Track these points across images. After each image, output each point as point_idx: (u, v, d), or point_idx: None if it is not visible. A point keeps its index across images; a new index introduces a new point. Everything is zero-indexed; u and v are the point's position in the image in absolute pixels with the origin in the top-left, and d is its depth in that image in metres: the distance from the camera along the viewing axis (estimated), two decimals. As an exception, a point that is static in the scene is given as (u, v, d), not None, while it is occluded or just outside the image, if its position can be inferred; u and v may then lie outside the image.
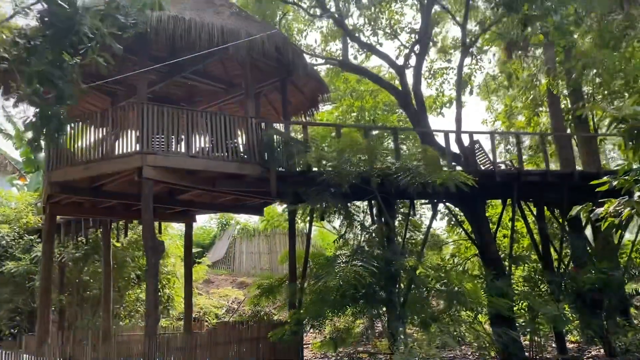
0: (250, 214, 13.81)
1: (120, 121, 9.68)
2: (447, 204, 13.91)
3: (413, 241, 12.71)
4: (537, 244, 13.54)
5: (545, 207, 13.65)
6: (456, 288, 9.88)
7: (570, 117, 16.82)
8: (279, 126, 10.61)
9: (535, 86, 16.58)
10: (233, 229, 31.47)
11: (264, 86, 13.05)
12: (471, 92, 17.16)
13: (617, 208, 6.90)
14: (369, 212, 11.89)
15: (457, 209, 14.79)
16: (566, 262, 12.95)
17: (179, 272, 18.33)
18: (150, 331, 8.68)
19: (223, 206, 13.15)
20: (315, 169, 10.70)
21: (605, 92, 16.83)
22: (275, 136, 10.53)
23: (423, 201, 14.71)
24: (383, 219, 11.60)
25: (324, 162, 10.41)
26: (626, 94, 17.04)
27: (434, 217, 12.85)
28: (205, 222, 34.76)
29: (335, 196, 9.71)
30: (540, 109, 19.29)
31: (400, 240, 11.70)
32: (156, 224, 16.32)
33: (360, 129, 10.18)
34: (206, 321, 17.81)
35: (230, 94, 13.65)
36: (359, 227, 11.11)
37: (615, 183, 7.19)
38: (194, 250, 29.37)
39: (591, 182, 7.70)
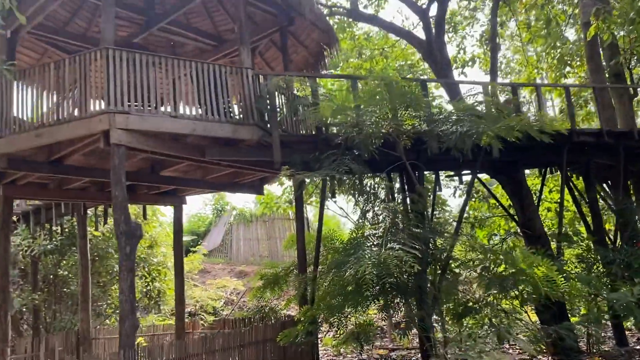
0: (249, 192, 11.73)
1: (80, 74, 7.53)
2: (479, 175, 11.92)
3: (441, 220, 10.70)
4: (586, 218, 11.59)
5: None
6: (510, 270, 7.95)
7: (607, 75, 14.78)
8: (282, 82, 8.42)
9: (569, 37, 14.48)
10: (229, 214, 29.50)
11: (260, 40, 10.93)
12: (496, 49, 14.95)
13: None
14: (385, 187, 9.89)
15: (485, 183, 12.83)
16: (624, 238, 10.97)
17: (170, 263, 16.40)
18: (126, 341, 6.66)
19: (217, 184, 11.07)
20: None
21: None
22: (277, 91, 8.42)
23: (450, 173, 12.74)
24: (411, 193, 9.62)
25: (337, 122, 8.32)
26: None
27: (470, 189, 10.83)
28: (199, 209, 32.87)
29: (354, 165, 7.63)
30: (567, 69, 17.20)
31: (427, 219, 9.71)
32: (140, 207, 14.36)
33: (382, 80, 8.00)
34: (202, 318, 15.80)
35: (221, 51, 11.53)
36: (380, 203, 9.09)
37: None
38: (188, 238, 27.78)
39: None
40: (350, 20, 14.02)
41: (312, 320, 8.53)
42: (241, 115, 8.15)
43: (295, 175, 7.49)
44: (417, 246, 6.63)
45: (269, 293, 10.62)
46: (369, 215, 8.96)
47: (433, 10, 12.52)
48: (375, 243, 6.94)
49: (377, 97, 7.95)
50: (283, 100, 8.88)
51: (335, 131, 8.64)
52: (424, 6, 11.80)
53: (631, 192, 11.95)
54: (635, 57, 15.54)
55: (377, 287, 7.75)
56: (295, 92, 10.49)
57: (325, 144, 8.28)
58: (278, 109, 8.47)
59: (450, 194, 14.80)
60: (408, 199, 9.10)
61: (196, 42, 11.56)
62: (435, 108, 8.51)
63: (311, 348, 9.28)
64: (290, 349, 9.08)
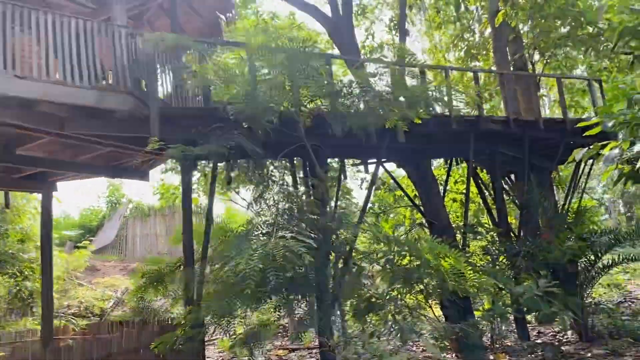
0: (132, 178, 10.29)
1: None
2: (387, 165, 11.32)
3: (345, 211, 9.94)
4: (491, 209, 11.32)
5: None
6: (415, 262, 7.31)
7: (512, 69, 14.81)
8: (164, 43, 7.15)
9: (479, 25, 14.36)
10: (124, 208, 27.32)
11: (147, 4, 9.58)
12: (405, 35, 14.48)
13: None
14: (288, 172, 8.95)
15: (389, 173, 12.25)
16: (528, 230, 10.78)
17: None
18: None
19: (92, 168, 9.57)
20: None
21: (544, 42, 15.04)
22: (158, 54, 7.18)
23: (357, 162, 12.03)
24: (310, 180, 8.76)
25: (231, 95, 7.22)
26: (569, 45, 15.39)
27: (375, 178, 10.13)
28: (93, 202, 30.32)
29: (246, 142, 6.59)
30: (476, 63, 17.21)
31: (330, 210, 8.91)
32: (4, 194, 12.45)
33: (284, 53, 6.97)
34: (73, 323, 14.06)
35: (102, 15, 10.01)
36: (279, 189, 8.13)
37: (610, 124, 5.82)
38: (75, 232, 25.40)
39: (579, 125, 6.67)
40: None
41: (195, 322, 7.41)
42: (111, 82, 6.82)
43: (175, 153, 6.31)
44: (313, 235, 5.73)
45: (152, 292, 9.32)
46: (266, 202, 7.98)
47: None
48: (264, 232, 5.93)
49: (277, 67, 6.94)
50: (168, 68, 7.64)
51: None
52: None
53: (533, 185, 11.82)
54: (538, 52, 15.71)
55: (272, 283, 6.82)
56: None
57: (215, 120, 7.16)
58: (160, 77, 7.23)
59: (358, 184, 14.11)
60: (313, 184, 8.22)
61: (75, 4, 9.94)
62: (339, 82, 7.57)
63: (196, 355, 8.12)
64: (172, 357, 7.88)
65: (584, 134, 6.21)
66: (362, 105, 7.16)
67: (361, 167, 12.87)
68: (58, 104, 6.50)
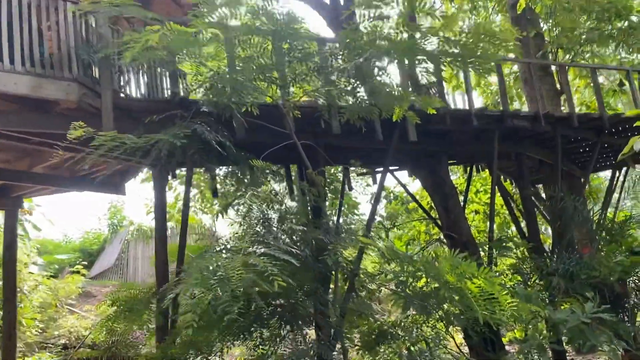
0: (105, 192, 9.03)
1: None
2: (396, 173, 9.92)
3: (349, 227, 8.56)
4: (519, 221, 9.86)
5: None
6: (433, 284, 5.93)
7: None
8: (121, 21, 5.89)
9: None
10: (126, 230, 26.14)
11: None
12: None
13: None
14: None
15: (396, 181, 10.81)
16: (563, 244, 9.27)
17: (26, 286, 13.31)
18: None
19: (53, 179, 8.30)
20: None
21: (568, 39, 13.72)
22: (115, 35, 5.93)
23: (363, 171, 10.65)
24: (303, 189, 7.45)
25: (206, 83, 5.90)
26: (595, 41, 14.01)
27: (382, 184, 8.74)
28: (95, 225, 29.24)
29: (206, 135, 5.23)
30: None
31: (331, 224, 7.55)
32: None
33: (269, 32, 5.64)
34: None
35: None
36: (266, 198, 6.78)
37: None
38: (67, 257, 24.23)
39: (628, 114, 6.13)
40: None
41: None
42: (52, 68, 5.56)
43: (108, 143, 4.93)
44: (296, 251, 4.37)
45: (124, 323, 7.96)
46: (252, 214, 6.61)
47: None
48: (232, 249, 4.56)
49: (259, 48, 5.62)
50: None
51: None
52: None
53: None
54: (562, 50, 14.33)
55: (249, 315, 5.44)
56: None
57: (185, 112, 5.85)
58: (117, 62, 5.95)
59: (367, 199, 12.72)
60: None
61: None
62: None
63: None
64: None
65: (622, 134, 4.94)
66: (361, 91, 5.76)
67: (370, 180, 11.56)
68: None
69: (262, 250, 4.24)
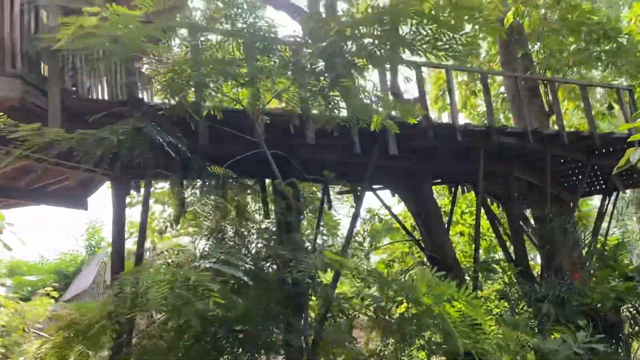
0: (64, 206, 8.39)
1: None
2: (378, 190, 9.40)
3: (328, 249, 8.01)
4: (506, 244, 9.37)
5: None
6: (413, 310, 5.38)
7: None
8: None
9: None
10: (103, 252, 25.28)
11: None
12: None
13: None
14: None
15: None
16: (552, 269, 8.76)
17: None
18: None
19: (6, 191, 7.67)
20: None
21: (556, 60, 13.48)
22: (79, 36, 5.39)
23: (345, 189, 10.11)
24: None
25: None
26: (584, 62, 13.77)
27: (360, 203, 8.21)
28: (72, 246, 28.33)
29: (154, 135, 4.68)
30: (478, 85, 15.58)
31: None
32: None
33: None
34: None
35: None
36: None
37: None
38: (35, 278, 23.31)
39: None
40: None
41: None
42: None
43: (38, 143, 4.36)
44: (251, 267, 3.82)
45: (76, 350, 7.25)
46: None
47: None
48: (170, 261, 4.00)
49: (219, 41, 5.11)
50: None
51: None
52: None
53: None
54: (550, 71, 14.05)
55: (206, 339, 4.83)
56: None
57: (141, 115, 5.31)
58: (66, 58, 5.42)
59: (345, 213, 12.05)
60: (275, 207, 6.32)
61: None
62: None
63: None
64: None
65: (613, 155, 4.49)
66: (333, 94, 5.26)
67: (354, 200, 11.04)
68: None
69: (208, 265, 3.68)
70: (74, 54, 5.46)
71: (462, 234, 11.21)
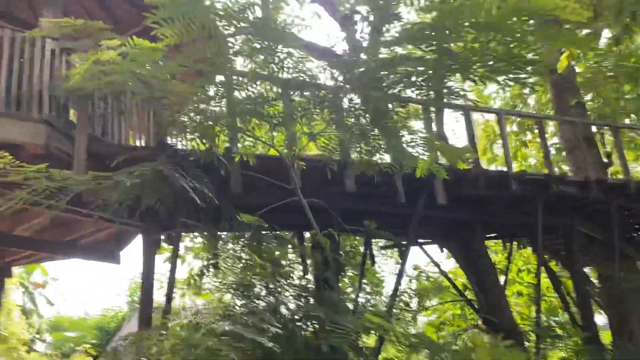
0: (95, 259, 8.11)
1: None
2: (425, 244, 8.74)
3: (370, 309, 7.36)
4: (569, 306, 8.44)
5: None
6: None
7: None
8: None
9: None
10: (144, 308, 25.04)
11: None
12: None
13: None
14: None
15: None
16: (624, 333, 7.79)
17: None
18: None
19: (39, 244, 7.44)
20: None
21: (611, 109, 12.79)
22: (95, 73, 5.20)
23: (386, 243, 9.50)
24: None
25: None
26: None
27: (405, 260, 7.58)
28: (115, 302, 28.25)
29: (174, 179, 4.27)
30: (528, 136, 14.93)
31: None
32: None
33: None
34: None
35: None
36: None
37: None
38: (75, 334, 23.12)
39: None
40: None
41: None
42: (17, 106, 4.84)
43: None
44: (278, 327, 3.28)
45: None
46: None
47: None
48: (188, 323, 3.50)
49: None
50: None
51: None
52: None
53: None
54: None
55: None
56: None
57: (168, 160, 4.98)
58: (97, 102, 5.21)
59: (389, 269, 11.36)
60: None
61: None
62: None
63: None
64: None
65: None
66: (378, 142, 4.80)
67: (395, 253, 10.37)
68: None
69: (228, 327, 3.17)
70: (102, 97, 5.26)
71: (520, 294, 10.28)
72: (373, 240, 8.40)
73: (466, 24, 3.00)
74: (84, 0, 8.56)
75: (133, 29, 7.97)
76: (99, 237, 7.68)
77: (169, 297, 5.71)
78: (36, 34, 4.74)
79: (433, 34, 3.16)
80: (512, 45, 3.05)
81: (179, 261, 7.03)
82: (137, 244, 8.64)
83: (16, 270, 10.16)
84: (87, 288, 41.14)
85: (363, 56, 3.84)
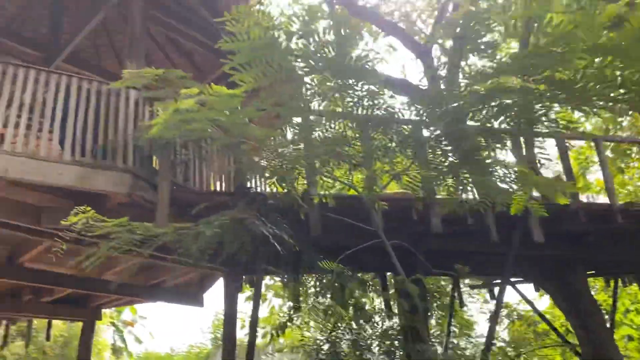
0: (179, 302, 8.17)
1: None
2: (518, 283, 8.12)
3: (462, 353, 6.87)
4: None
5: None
6: None
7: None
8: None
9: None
10: (227, 345, 25.23)
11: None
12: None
13: None
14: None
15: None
16: None
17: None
18: None
19: (125, 287, 7.60)
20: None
21: None
22: (175, 122, 5.27)
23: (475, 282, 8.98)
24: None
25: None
26: None
27: (500, 305, 7.04)
28: (200, 340, 28.75)
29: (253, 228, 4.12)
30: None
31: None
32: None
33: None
34: None
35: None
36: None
37: None
38: None
39: None
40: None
41: None
42: (104, 156, 4.95)
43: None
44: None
45: None
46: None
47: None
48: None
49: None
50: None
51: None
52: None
53: None
54: None
55: None
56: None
57: (247, 206, 4.90)
58: (178, 149, 5.26)
59: (485, 318, 10.77)
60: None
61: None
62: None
63: None
64: None
65: None
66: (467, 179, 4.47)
67: (487, 294, 9.76)
68: (25, 185, 4.70)
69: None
70: (183, 144, 5.32)
71: (630, 338, 9.29)
72: (463, 280, 7.93)
73: (581, 48, 2.66)
74: (165, 48, 8.94)
75: (212, 74, 8.21)
76: (182, 281, 7.76)
77: (252, 336, 5.58)
78: (120, 85, 4.87)
79: (538, 62, 2.84)
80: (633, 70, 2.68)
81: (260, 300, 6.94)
82: (219, 284, 8.68)
83: (106, 310, 10.48)
84: (173, 325, 42.36)
85: (442, 87, 3.57)
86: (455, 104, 3.47)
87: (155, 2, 7.01)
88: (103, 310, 9.18)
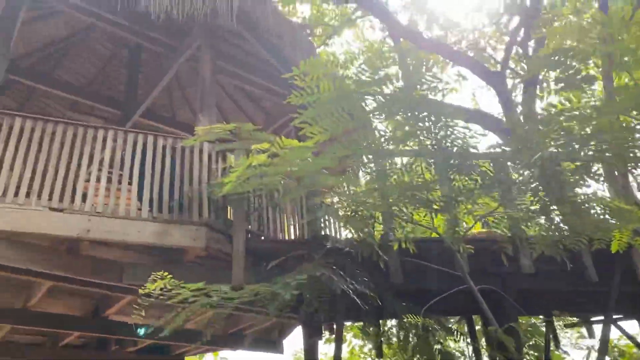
0: (258, 350, 8.06)
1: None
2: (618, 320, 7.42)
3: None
4: None
5: None
6: None
7: None
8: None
9: None
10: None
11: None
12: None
13: None
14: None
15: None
16: None
17: None
18: None
19: (205, 336, 7.57)
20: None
21: None
22: (250, 175, 5.24)
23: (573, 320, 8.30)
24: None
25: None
26: None
27: (605, 347, 6.41)
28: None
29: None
30: None
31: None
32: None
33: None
34: None
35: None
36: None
37: None
38: None
39: None
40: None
41: None
42: (180, 211, 4.99)
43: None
44: None
45: None
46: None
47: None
48: None
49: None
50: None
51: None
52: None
53: None
54: None
55: None
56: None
57: (323, 257, 4.74)
58: (252, 199, 5.23)
59: (581, 356, 10.06)
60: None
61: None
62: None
63: None
64: None
65: None
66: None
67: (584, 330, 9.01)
68: (106, 244, 4.79)
69: None
70: (257, 195, 5.28)
71: None
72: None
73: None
74: (234, 96, 9.12)
75: (282, 119, 8.25)
76: (262, 328, 7.66)
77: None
78: (194, 142, 4.92)
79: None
80: None
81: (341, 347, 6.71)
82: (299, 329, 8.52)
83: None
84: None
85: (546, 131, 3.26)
86: (552, 149, 3.18)
87: (224, 55, 7.18)
88: (186, 358, 9.23)
